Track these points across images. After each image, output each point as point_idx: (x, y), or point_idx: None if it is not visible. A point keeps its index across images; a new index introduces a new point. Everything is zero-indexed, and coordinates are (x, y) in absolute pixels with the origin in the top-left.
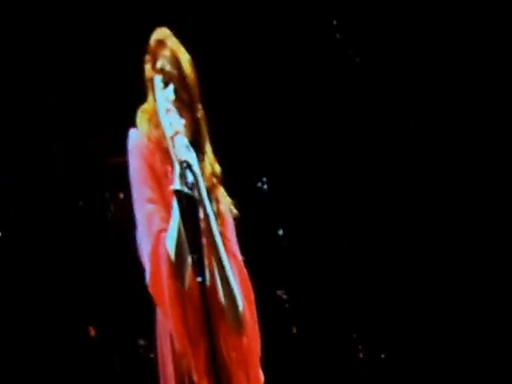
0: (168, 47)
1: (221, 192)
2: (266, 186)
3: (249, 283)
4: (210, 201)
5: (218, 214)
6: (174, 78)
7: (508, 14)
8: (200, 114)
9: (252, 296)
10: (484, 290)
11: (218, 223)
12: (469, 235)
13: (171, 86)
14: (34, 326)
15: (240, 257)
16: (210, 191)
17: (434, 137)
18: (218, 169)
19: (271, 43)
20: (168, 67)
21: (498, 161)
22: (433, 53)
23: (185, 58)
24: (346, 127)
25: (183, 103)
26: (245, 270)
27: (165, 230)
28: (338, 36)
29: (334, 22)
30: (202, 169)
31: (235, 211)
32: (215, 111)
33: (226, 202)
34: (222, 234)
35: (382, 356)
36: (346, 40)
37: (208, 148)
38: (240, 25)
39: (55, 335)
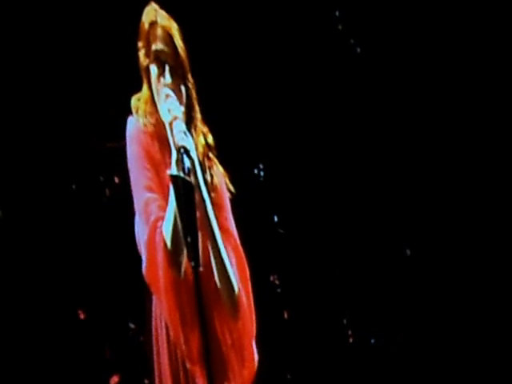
0: (159, 26)
1: (216, 166)
2: (262, 173)
3: (244, 262)
4: (204, 172)
5: (213, 189)
6: (169, 56)
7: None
8: (190, 83)
9: (247, 275)
10: (474, 277)
11: (212, 197)
12: (461, 227)
13: (167, 70)
14: (24, 309)
15: (236, 234)
16: (203, 164)
17: (434, 129)
18: (210, 139)
19: (273, 32)
20: (162, 47)
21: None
22: (434, 44)
23: (175, 30)
24: (344, 117)
25: (177, 78)
26: (240, 249)
27: (162, 218)
28: (339, 27)
29: (337, 13)
30: (194, 139)
31: (232, 188)
32: (212, 96)
33: (221, 178)
34: (217, 208)
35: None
36: (348, 31)
37: (199, 118)
38: (240, 14)
39: (45, 317)
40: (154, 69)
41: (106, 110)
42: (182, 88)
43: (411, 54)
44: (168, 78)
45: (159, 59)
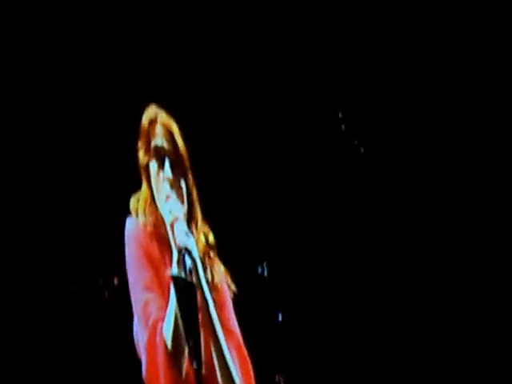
0: (160, 123)
1: (217, 265)
2: (266, 272)
3: (248, 362)
4: (205, 271)
5: (214, 289)
6: (169, 152)
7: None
8: (191, 182)
9: (251, 375)
10: (482, 308)
11: (214, 297)
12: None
13: (167, 163)
14: None
15: (239, 334)
16: (204, 263)
17: (440, 223)
18: (211, 238)
19: (275, 132)
20: (162, 143)
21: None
22: (439, 142)
23: (175, 128)
24: (348, 216)
25: (178, 172)
26: (244, 349)
27: (162, 318)
28: (343, 127)
29: (340, 115)
30: (195, 239)
31: (233, 287)
32: (213, 195)
33: (223, 277)
34: (219, 308)
35: None
36: (351, 131)
37: (199, 216)
38: (243, 113)
39: None
40: (153, 164)
41: (105, 210)
42: (183, 184)
43: (415, 155)
44: (168, 171)
45: (159, 154)
